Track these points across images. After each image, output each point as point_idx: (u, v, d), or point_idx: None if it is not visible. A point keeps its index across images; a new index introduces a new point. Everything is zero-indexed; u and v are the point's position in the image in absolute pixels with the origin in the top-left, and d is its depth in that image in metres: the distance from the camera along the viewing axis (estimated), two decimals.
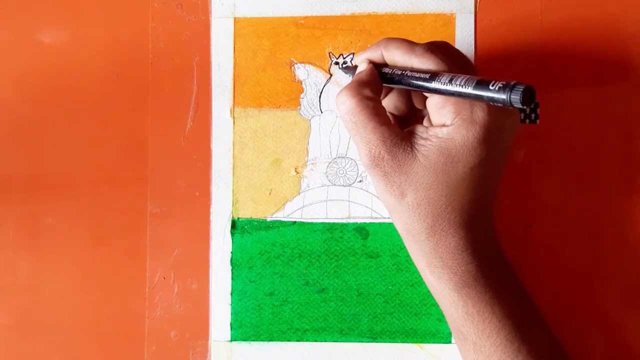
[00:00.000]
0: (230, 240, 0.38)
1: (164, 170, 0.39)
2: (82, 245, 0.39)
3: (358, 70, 0.33)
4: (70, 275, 0.39)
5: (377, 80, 0.32)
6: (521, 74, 0.38)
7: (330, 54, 0.38)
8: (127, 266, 0.39)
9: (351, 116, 0.31)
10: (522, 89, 0.25)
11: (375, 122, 0.30)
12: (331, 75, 0.38)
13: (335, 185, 0.38)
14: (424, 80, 0.29)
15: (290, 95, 0.38)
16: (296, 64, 0.38)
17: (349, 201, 0.38)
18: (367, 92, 0.31)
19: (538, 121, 0.38)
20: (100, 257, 0.39)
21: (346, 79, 0.38)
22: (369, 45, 0.34)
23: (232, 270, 0.38)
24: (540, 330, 0.32)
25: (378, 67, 0.32)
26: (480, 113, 0.29)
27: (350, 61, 0.38)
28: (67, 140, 0.39)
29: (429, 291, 0.33)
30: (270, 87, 0.39)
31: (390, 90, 0.34)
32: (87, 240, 0.39)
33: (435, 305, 0.37)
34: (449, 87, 0.28)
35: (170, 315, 0.39)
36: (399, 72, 0.30)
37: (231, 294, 0.38)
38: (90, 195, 0.39)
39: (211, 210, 0.39)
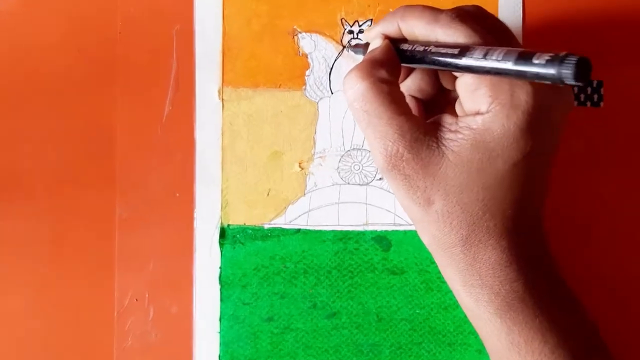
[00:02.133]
0: (219, 253, 0.36)
1: (136, 166, 0.36)
2: (37, 258, 0.37)
3: (371, 47, 0.31)
4: (21, 295, 0.37)
5: (395, 58, 0.30)
6: (582, 49, 0.36)
7: (343, 20, 0.36)
8: (91, 284, 0.37)
9: (362, 104, 0.28)
10: (574, 61, 0.22)
11: (392, 112, 0.28)
12: (344, 47, 0.36)
13: (349, 184, 0.36)
14: (453, 56, 0.27)
15: (293, 72, 0.36)
16: (300, 33, 0.36)
17: (366, 204, 0.36)
18: (382, 73, 0.29)
19: (602, 104, 0.36)
20: (58, 273, 0.37)
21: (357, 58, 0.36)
22: (389, 12, 0.33)
23: (221, 289, 0.36)
24: None
25: (395, 43, 0.30)
26: (522, 95, 0.27)
27: (351, 45, 0.36)
28: (17, 131, 0.37)
29: (465, 316, 0.30)
30: (268, 62, 0.36)
31: (410, 71, 0.32)
32: (43, 252, 0.37)
33: (473, 333, 0.35)
34: (484, 64, 0.25)
35: (144, 345, 0.36)
36: (421, 49, 0.28)
37: (220, 320, 0.36)
38: (46, 198, 0.37)
39: (195, 216, 0.36)
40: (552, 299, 0.29)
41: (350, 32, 0.36)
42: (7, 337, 0.37)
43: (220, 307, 0.36)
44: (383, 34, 0.30)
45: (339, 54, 0.36)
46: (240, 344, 0.36)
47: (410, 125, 0.28)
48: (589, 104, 0.36)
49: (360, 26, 0.36)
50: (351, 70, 0.29)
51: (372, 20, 0.36)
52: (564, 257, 0.31)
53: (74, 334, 0.36)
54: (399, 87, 0.30)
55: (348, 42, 0.36)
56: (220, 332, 0.36)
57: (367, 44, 0.31)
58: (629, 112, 0.36)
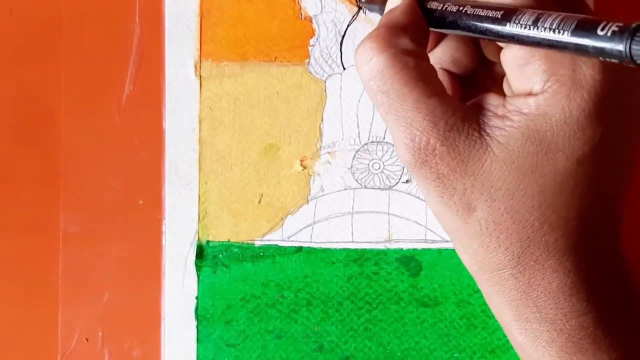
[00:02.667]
0: (195, 278, 0.34)
1: (87, 164, 0.34)
2: None
3: (388, 6, 0.29)
4: None
5: (421, 21, 0.28)
6: None
7: None
8: (26, 320, 0.35)
9: (380, 83, 0.27)
10: None
11: (420, 92, 0.26)
12: (360, 8, 0.34)
13: (366, 187, 0.34)
14: (494, 21, 0.25)
15: (293, 41, 0.34)
16: None
17: (388, 214, 0.34)
18: (405, 42, 0.27)
19: None
20: None
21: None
22: None
23: (197, 326, 0.34)
24: None
25: (421, 1, 0.28)
26: (588, 71, 0.26)
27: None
28: None
29: None
30: (260, 27, 0.34)
31: (442, 36, 0.30)
32: None
33: None
34: (533, 33, 0.24)
35: None
36: (454, 9, 0.27)
37: None
38: None
39: (164, 229, 0.34)
40: (634, 338, 0.27)
41: None
42: None
43: (197, 350, 0.34)
44: None
45: (354, 16, 0.34)
46: None
47: (444, 108, 0.27)
48: None
49: None
50: (364, 40, 0.27)
51: None
52: None
53: None
54: (427, 59, 0.28)
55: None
56: None
57: (384, 0, 0.30)
58: None
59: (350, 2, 0.34)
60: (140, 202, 0.34)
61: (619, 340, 0.27)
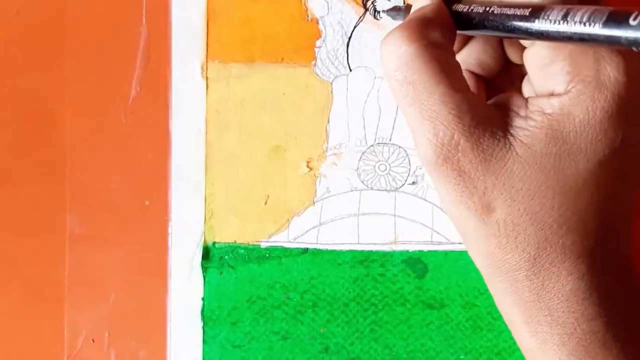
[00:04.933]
0: (202, 280, 0.34)
1: (93, 165, 0.34)
2: None
3: (415, 7, 0.29)
4: None
5: (449, 20, 0.28)
6: None
7: None
8: (33, 321, 0.34)
9: (407, 73, 0.27)
10: None
11: (447, 86, 0.26)
12: (366, 9, 0.34)
13: (372, 189, 0.34)
14: (523, 19, 0.26)
15: (299, 42, 0.34)
16: None
17: (394, 215, 0.34)
18: (436, 35, 0.27)
19: None
20: None
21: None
22: None
23: (203, 327, 0.34)
24: None
25: (447, 3, 0.28)
26: (612, 71, 0.26)
27: (389, 8, 0.34)
28: None
29: None
30: (267, 29, 0.34)
31: (467, 39, 0.30)
32: None
33: None
34: (564, 27, 0.24)
35: None
36: (481, 9, 0.27)
37: None
38: None
39: (170, 231, 0.34)
40: None
41: None
42: None
43: (203, 351, 0.34)
44: None
45: (360, 18, 0.34)
46: None
47: (471, 105, 0.26)
48: None
49: None
50: (393, 30, 0.27)
51: None
52: None
53: None
54: (454, 56, 0.28)
55: (372, 2, 0.34)
56: None
57: (409, 7, 0.30)
58: None
59: (357, 3, 0.34)
60: (147, 203, 0.34)
61: (629, 346, 0.27)
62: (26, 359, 0.34)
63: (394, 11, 0.33)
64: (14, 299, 0.34)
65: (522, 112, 0.27)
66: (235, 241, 0.34)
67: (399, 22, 0.32)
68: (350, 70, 0.34)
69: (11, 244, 0.34)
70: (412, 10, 0.29)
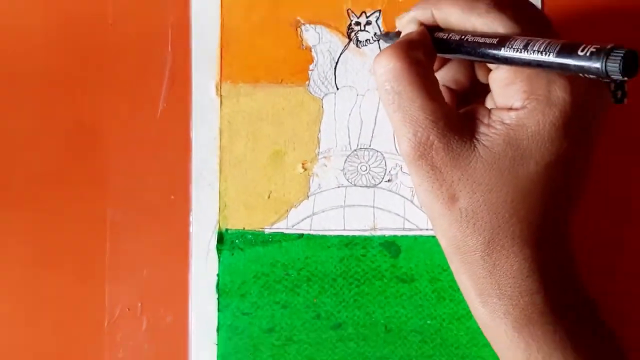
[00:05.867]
0: (216, 259, 0.36)
1: (128, 167, 0.36)
2: (21, 266, 0.36)
3: (405, 32, 0.30)
4: (6, 304, 0.36)
5: (431, 44, 0.29)
6: (604, 37, 0.33)
7: (350, 11, 0.35)
8: (79, 293, 0.36)
9: (394, 84, 0.28)
10: (621, 54, 0.23)
11: (426, 96, 0.28)
12: (350, 40, 0.35)
13: (355, 185, 0.35)
14: (491, 46, 0.27)
15: (295, 66, 0.36)
16: (304, 24, 0.35)
17: (374, 207, 0.35)
18: (419, 54, 0.29)
19: (626, 100, 0.35)
20: (44, 281, 0.36)
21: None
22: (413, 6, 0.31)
23: (218, 298, 0.35)
24: None
25: (429, 32, 0.30)
26: (560, 93, 0.27)
27: (376, 21, 0.35)
28: (0, 130, 0.36)
29: (479, 328, 0.30)
30: (269, 55, 0.36)
31: (445, 62, 0.32)
32: (28, 259, 0.36)
33: (487, 345, 0.32)
34: (525, 55, 0.25)
35: (137, 358, 0.36)
36: (457, 37, 0.28)
37: (217, 331, 0.35)
38: (31, 201, 0.36)
39: (191, 220, 0.36)
40: (576, 316, 0.29)
41: (357, 23, 0.35)
42: None
43: (218, 317, 0.36)
44: (418, 20, 0.30)
45: (345, 47, 0.36)
46: (239, 356, 0.35)
47: (444, 112, 0.28)
48: (612, 100, 0.34)
49: (367, 17, 0.35)
50: (385, 49, 0.29)
51: (380, 11, 0.35)
52: (588, 273, 0.30)
53: (62, 345, 0.36)
54: (433, 72, 0.29)
55: (363, 26, 0.36)
56: (217, 344, 0.35)
57: (398, 33, 0.31)
58: None
59: (343, 34, 0.35)
60: (172, 197, 0.36)
61: (562, 316, 0.28)
62: (74, 324, 0.36)
63: (386, 36, 0.34)
64: (65, 276, 0.36)
65: (486, 121, 0.28)
66: (244, 228, 0.36)
67: (389, 43, 0.34)
68: (338, 89, 0.35)
69: (64, 232, 0.36)
70: (402, 35, 0.31)
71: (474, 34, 0.28)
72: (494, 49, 0.27)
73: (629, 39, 0.33)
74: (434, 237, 0.34)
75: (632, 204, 0.35)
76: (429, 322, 0.35)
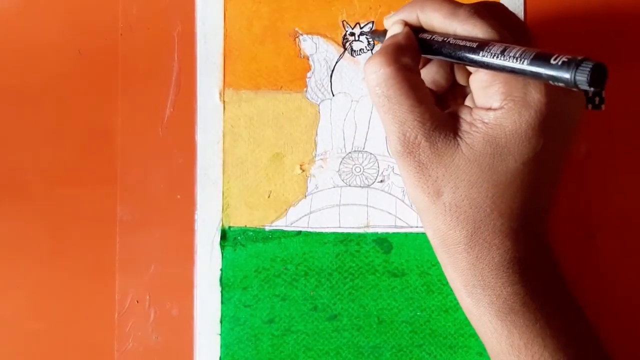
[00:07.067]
0: (220, 255, 0.35)
1: (137, 168, 0.36)
2: (37, 260, 0.36)
3: (390, 33, 0.30)
4: (20, 297, 0.36)
5: (416, 46, 0.29)
6: (583, 47, 0.35)
7: (344, 22, 0.35)
8: (91, 287, 0.36)
9: (384, 89, 0.28)
10: (590, 67, 0.22)
11: (414, 100, 0.28)
12: (345, 49, 0.35)
13: (350, 186, 0.35)
14: (470, 50, 0.27)
15: (294, 74, 0.36)
16: (302, 35, 0.35)
17: (367, 206, 0.35)
18: (407, 60, 0.29)
19: (603, 106, 0.35)
20: (58, 275, 0.36)
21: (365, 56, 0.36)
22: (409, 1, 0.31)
23: (221, 291, 0.35)
24: None
25: (414, 32, 0.30)
26: (535, 94, 0.27)
27: (370, 30, 0.35)
28: (17, 132, 0.36)
29: (466, 318, 0.30)
30: (269, 64, 0.36)
31: (426, 62, 0.31)
32: (43, 254, 0.36)
33: (474, 335, 0.34)
34: (500, 61, 0.25)
35: (145, 347, 0.36)
36: (440, 39, 0.28)
37: (221, 322, 0.35)
38: (46, 199, 0.36)
39: (196, 218, 0.36)
40: (554, 304, 0.29)
41: (352, 34, 0.35)
42: (7, 339, 0.36)
43: (221, 309, 0.36)
44: (403, 21, 0.30)
45: (340, 56, 0.36)
46: (241, 346, 0.35)
47: (431, 114, 0.28)
48: (590, 106, 0.35)
49: (361, 28, 0.36)
50: (374, 55, 0.29)
51: (373, 22, 0.36)
52: (565, 265, 0.30)
53: (74, 336, 0.36)
54: (420, 75, 0.30)
55: (357, 36, 0.35)
56: (221, 334, 0.35)
57: (385, 31, 0.31)
58: (631, 115, 0.35)
59: (338, 44, 0.36)
60: (178, 197, 0.36)
61: (543, 305, 0.28)
62: (87, 315, 0.36)
63: (375, 34, 0.34)
64: (78, 270, 0.36)
65: (469, 119, 0.28)
66: (245, 225, 0.35)
67: (379, 40, 0.34)
68: (333, 95, 0.36)
69: (77, 229, 0.36)
70: (387, 35, 0.31)
71: (456, 36, 0.28)
72: (472, 53, 0.27)
73: (606, 49, 0.35)
74: (423, 234, 0.34)
75: (601, 201, 0.36)
76: (418, 313, 0.35)
